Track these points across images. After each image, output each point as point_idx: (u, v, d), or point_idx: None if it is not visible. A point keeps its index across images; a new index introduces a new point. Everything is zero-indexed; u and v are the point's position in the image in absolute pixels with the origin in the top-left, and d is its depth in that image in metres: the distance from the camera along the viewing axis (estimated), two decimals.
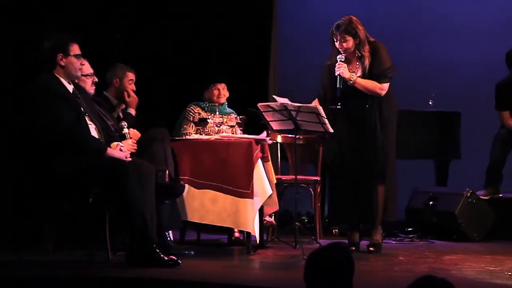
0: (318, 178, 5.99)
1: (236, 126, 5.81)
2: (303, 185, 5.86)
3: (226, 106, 6.10)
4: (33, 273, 4.54)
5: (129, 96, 5.56)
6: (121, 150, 4.79)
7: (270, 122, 5.48)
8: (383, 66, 5.38)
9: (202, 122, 5.73)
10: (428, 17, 7.72)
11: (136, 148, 5.09)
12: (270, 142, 5.70)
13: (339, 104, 5.48)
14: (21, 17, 6.31)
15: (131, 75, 5.64)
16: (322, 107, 5.34)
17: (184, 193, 5.28)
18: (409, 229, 6.28)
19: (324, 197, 6.52)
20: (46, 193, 4.69)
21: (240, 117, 5.77)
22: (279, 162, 6.10)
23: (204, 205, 5.34)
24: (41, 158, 4.64)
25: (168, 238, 5.18)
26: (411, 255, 5.42)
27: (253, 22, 7.03)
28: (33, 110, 4.71)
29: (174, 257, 4.67)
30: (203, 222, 5.42)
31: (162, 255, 4.62)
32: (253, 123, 5.75)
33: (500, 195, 6.59)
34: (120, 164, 4.67)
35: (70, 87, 4.81)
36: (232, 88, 6.19)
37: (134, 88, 5.63)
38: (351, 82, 5.37)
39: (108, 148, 4.75)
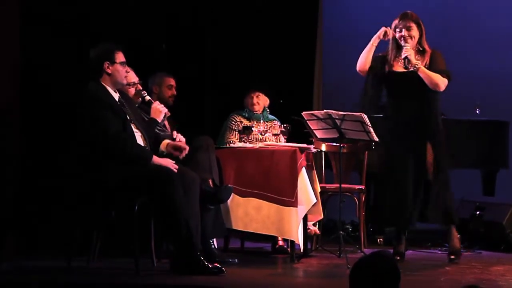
0: (362, 186, 5.95)
1: (280, 134, 5.81)
2: (347, 193, 5.84)
3: (268, 113, 6.09)
4: (80, 280, 4.60)
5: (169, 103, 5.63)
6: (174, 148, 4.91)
7: (314, 131, 5.48)
8: (444, 66, 5.36)
9: (247, 131, 5.75)
10: (473, 26, 7.64)
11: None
12: (314, 150, 5.69)
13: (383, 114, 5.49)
14: (69, 29, 6.43)
15: (169, 81, 5.72)
16: (367, 93, 5.37)
17: (229, 201, 5.30)
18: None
19: (368, 205, 6.48)
20: (95, 200, 4.75)
21: (284, 125, 5.77)
22: (323, 171, 6.08)
23: (248, 213, 5.35)
24: (91, 165, 4.70)
25: (212, 246, 5.20)
26: (457, 265, 5.35)
27: (298, 29, 7.04)
28: (82, 119, 4.77)
29: (218, 265, 4.69)
30: (247, 230, 5.43)
31: (206, 263, 4.63)
32: (297, 131, 5.75)
33: None
34: (165, 172, 4.70)
35: (116, 96, 4.87)
36: (277, 96, 6.20)
37: (175, 93, 5.69)
38: (416, 67, 5.30)
39: (154, 156, 4.79)
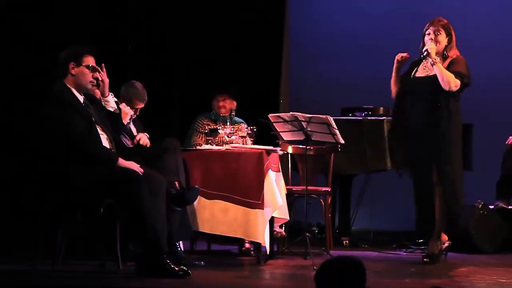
0: (328, 188, 5.98)
1: (247, 136, 5.82)
2: (313, 195, 5.86)
3: (233, 115, 6.09)
4: (45, 283, 4.56)
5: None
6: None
7: (280, 133, 5.50)
8: (461, 69, 5.46)
9: (213, 133, 5.75)
10: None
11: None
12: (280, 152, 5.71)
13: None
14: (35, 28, 6.39)
15: (137, 104, 5.59)
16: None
17: (195, 204, 5.29)
18: (420, 240, 6.26)
19: (334, 207, 6.51)
20: (60, 203, 4.71)
21: (251, 127, 5.78)
22: (289, 173, 6.10)
23: (214, 215, 5.35)
24: (56, 167, 4.66)
25: (179, 249, 5.19)
26: (422, 266, 5.40)
27: (265, 31, 7.05)
28: (47, 120, 4.74)
29: (184, 268, 4.68)
30: (213, 233, 5.42)
31: (172, 266, 4.62)
32: (264, 134, 5.76)
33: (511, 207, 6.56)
34: (132, 175, 4.68)
35: (81, 97, 4.83)
36: (243, 98, 6.20)
37: (137, 113, 5.62)
38: (432, 61, 5.41)
39: (120, 159, 4.77)
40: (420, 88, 5.48)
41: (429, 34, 5.50)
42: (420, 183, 5.52)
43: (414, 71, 5.56)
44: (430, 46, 5.44)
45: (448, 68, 5.46)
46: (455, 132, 5.50)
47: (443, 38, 5.50)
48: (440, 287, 2.65)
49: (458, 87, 5.44)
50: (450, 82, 5.40)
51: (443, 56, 5.51)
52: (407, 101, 5.57)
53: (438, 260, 5.51)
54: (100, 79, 4.89)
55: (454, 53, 5.52)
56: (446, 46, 5.50)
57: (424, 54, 5.44)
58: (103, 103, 4.95)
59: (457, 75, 5.43)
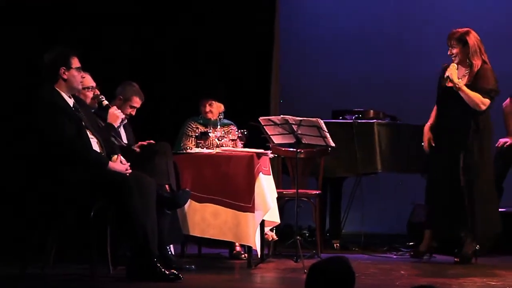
0: (319, 191, 5.99)
1: (237, 139, 5.82)
2: (304, 198, 5.86)
3: (221, 118, 6.07)
4: (35, 287, 4.54)
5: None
6: (121, 162, 4.80)
7: (271, 136, 5.51)
8: (487, 84, 5.58)
9: (204, 136, 5.75)
10: (429, 35, 7.73)
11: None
12: (271, 156, 5.71)
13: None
14: (29, 31, 6.39)
15: (136, 102, 5.59)
16: None
17: (186, 207, 5.29)
18: (410, 243, 6.27)
19: (325, 210, 6.52)
20: (50, 206, 4.70)
21: (241, 130, 5.78)
22: (280, 176, 6.10)
23: (205, 219, 5.35)
24: (46, 171, 4.65)
25: (169, 252, 5.18)
26: (412, 269, 5.42)
27: (255, 34, 7.06)
28: (37, 123, 4.73)
29: (175, 271, 4.67)
30: (204, 236, 5.42)
31: (163, 269, 4.62)
32: (254, 137, 5.76)
33: (500, 209, 6.57)
34: (122, 178, 4.68)
35: (71, 101, 4.83)
36: (234, 101, 6.20)
37: (133, 114, 5.62)
38: (456, 86, 5.53)
39: (110, 162, 4.76)
40: (448, 96, 5.62)
41: (448, 47, 5.64)
42: (439, 184, 5.67)
43: (442, 82, 5.67)
44: (449, 72, 5.55)
45: (474, 82, 5.56)
46: (484, 138, 5.64)
47: (459, 49, 5.61)
48: (427, 286, 2.67)
49: (487, 105, 5.58)
50: (479, 104, 5.56)
51: (468, 64, 5.62)
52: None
53: (469, 262, 5.60)
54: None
55: (478, 60, 5.61)
56: (467, 54, 5.59)
57: (447, 82, 5.54)
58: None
59: (484, 93, 5.57)
